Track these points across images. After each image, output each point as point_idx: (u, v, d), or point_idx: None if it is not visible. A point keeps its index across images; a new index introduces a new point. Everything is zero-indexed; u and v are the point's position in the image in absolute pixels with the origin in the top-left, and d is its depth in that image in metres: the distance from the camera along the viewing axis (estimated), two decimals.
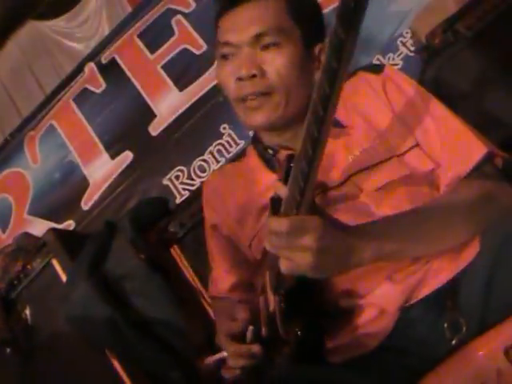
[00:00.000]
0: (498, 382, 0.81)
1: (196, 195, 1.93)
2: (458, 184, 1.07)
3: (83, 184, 3.62)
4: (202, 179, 3.32)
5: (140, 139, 3.53)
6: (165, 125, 3.47)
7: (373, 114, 1.17)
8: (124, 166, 3.54)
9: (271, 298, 1.06)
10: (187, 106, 3.41)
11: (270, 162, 1.24)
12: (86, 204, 3.59)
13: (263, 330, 1.06)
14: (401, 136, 1.14)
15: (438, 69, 1.51)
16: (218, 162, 3.30)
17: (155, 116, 3.52)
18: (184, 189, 3.36)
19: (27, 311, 2.03)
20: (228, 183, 1.35)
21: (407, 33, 2.81)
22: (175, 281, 1.83)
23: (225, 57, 1.21)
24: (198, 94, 3.37)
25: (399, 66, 2.80)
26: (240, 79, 1.17)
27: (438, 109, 1.15)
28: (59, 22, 4.14)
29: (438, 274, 1.01)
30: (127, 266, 1.79)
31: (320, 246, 0.85)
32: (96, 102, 3.68)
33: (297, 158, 0.85)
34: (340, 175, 1.12)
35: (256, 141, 1.31)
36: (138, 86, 3.58)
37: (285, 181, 0.95)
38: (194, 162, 3.35)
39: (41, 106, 3.84)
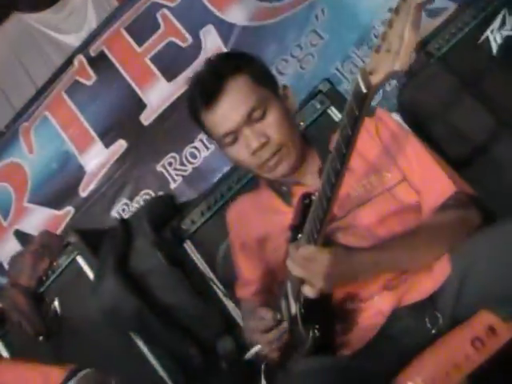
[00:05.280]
0: (467, 363, 1.11)
1: (204, 196, 2.19)
2: (436, 211, 1.35)
3: (80, 172, 3.76)
4: (194, 165, 3.52)
5: (132, 128, 3.66)
6: (156, 114, 3.62)
7: (369, 154, 1.43)
8: (119, 154, 3.68)
9: (292, 304, 1.33)
10: (176, 95, 3.55)
11: (284, 196, 1.49)
12: (83, 191, 3.73)
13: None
14: (391, 171, 1.41)
15: (413, 90, 1.77)
16: (207, 148, 3.47)
17: (145, 106, 3.65)
18: (177, 174, 3.55)
19: (56, 303, 2.28)
20: (247, 212, 1.60)
21: None
22: (191, 272, 2.10)
23: (230, 143, 1.43)
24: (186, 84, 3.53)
25: None
26: (254, 152, 1.40)
27: (418, 147, 1.43)
28: (46, 15, 4.21)
29: (421, 286, 1.29)
30: (149, 264, 2.06)
31: (329, 271, 1.17)
32: (88, 93, 3.79)
33: (313, 207, 1.16)
34: (342, 210, 1.37)
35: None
36: (128, 78, 3.70)
37: (301, 215, 1.25)
38: (186, 149, 3.52)
39: (33, 98, 3.92)
